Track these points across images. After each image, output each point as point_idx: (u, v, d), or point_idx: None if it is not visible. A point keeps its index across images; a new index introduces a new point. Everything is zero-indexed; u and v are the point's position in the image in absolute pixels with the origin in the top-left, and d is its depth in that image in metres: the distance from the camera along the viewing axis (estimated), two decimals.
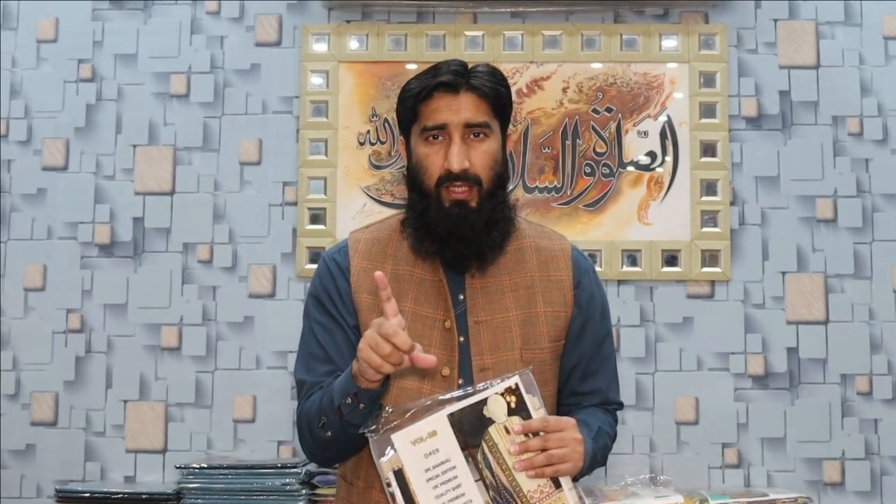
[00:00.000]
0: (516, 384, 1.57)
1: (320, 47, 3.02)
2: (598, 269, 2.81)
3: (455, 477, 1.54)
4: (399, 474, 1.54)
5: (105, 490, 2.73)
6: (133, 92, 3.04)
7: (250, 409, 2.94)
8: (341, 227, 2.94)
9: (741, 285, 2.95)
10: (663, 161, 2.98)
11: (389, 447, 1.54)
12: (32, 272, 2.98)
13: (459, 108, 1.71)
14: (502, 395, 1.56)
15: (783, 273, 2.96)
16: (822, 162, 2.99)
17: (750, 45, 3.03)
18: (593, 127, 2.99)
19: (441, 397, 1.58)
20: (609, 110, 3.00)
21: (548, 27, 3.02)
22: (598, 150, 2.99)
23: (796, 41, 3.02)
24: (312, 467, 2.71)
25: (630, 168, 2.98)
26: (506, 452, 1.55)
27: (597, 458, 1.73)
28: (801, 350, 2.93)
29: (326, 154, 2.99)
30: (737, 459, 2.90)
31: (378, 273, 1.58)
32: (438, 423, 1.55)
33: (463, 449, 1.55)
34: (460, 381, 1.71)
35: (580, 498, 1.59)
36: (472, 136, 1.72)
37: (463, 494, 1.53)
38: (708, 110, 2.98)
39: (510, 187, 2.87)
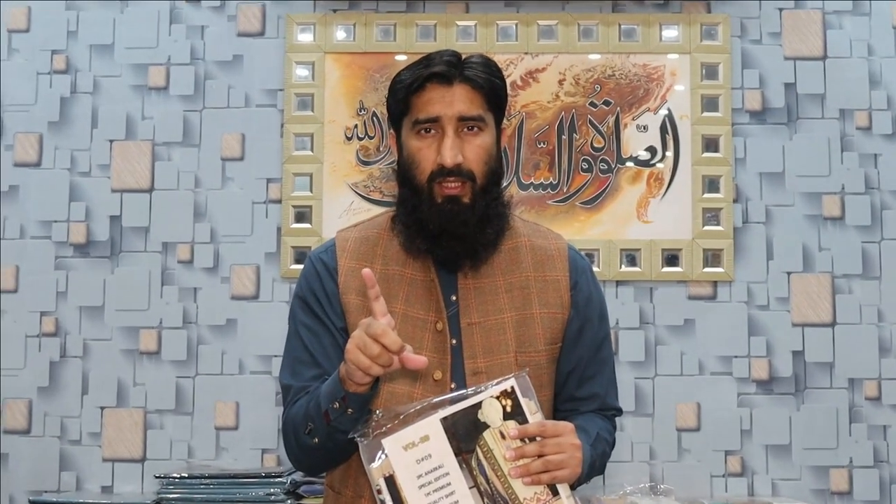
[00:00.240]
0: (512, 387, 1.54)
1: (305, 37, 2.98)
2: (595, 269, 2.80)
3: (448, 484, 1.52)
4: (390, 481, 1.52)
5: (81, 501, 2.71)
6: (109, 84, 2.99)
7: (233, 416, 2.90)
8: (328, 225, 2.90)
9: (745, 286, 2.93)
10: (664, 156, 2.95)
11: (380, 452, 1.53)
12: (5, 273, 2.93)
13: (453, 101, 1.69)
14: (497, 398, 1.54)
15: (788, 273, 2.93)
16: (829, 157, 2.96)
17: (754, 36, 3.00)
18: (591, 121, 2.96)
19: (434, 400, 1.57)
20: (607, 104, 2.96)
21: (543, 16, 2.98)
22: (595, 145, 2.95)
23: (802, 31, 3.00)
24: (298, 476, 2.68)
25: (629, 164, 2.95)
26: (501, 458, 1.53)
27: (595, 465, 1.70)
28: (807, 353, 2.91)
29: (312, 149, 2.95)
30: (740, 467, 2.87)
31: (366, 270, 1.56)
32: (431, 428, 1.53)
33: (456, 454, 1.53)
34: (453, 385, 1.69)
35: None
36: (465, 129, 1.70)
37: (457, 502, 1.51)
38: (710, 103, 2.95)
39: (504, 184, 2.82)
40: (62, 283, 2.92)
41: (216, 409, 2.89)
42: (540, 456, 1.53)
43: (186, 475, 2.67)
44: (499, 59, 2.87)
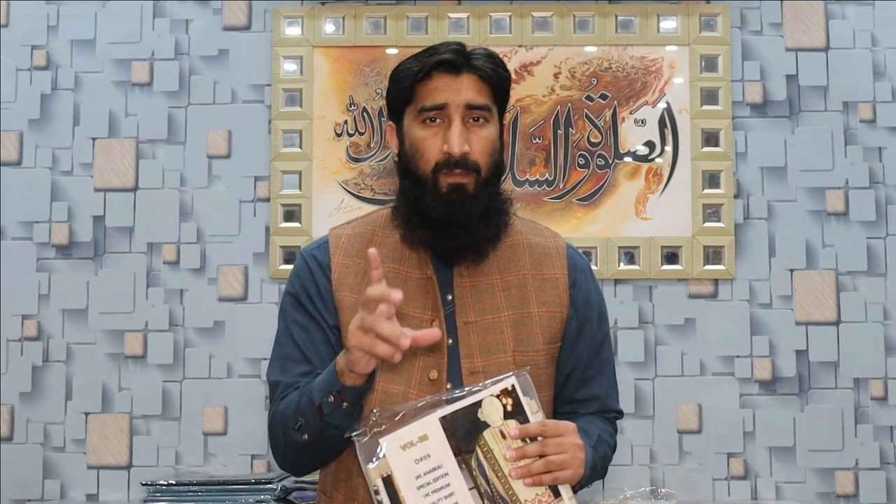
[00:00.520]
0: (512, 385, 1.54)
1: (293, 31, 2.97)
2: (593, 267, 2.85)
3: (448, 485, 1.51)
4: (388, 481, 1.50)
5: None
6: (91, 80, 2.98)
7: (221, 421, 2.89)
8: (317, 224, 2.89)
9: (746, 284, 2.92)
10: (662, 151, 2.94)
11: (377, 452, 1.51)
12: None
13: (461, 89, 1.69)
14: (498, 396, 1.53)
15: (791, 270, 2.92)
16: (832, 151, 2.95)
17: (754, 26, 2.99)
18: (587, 115, 2.94)
19: (432, 399, 1.56)
20: (604, 97, 2.95)
21: (537, 8, 2.97)
22: (592, 139, 2.94)
23: (804, 21, 2.99)
24: (289, 483, 2.67)
25: (627, 159, 2.94)
26: (501, 458, 1.52)
27: (597, 468, 1.70)
28: (810, 353, 2.90)
29: (301, 146, 2.94)
30: (743, 470, 2.86)
31: (371, 249, 1.54)
32: (430, 427, 1.52)
33: (456, 454, 1.52)
34: (448, 386, 1.69)
35: None
36: (471, 119, 1.70)
37: (456, 503, 1.50)
38: (710, 96, 2.94)
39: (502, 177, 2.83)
40: (44, 286, 2.91)
41: (204, 414, 2.88)
42: (541, 456, 1.52)
43: (174, 482, 2.65)
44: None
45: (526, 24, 2.95)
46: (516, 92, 2.90)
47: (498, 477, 1.51)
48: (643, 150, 2.92)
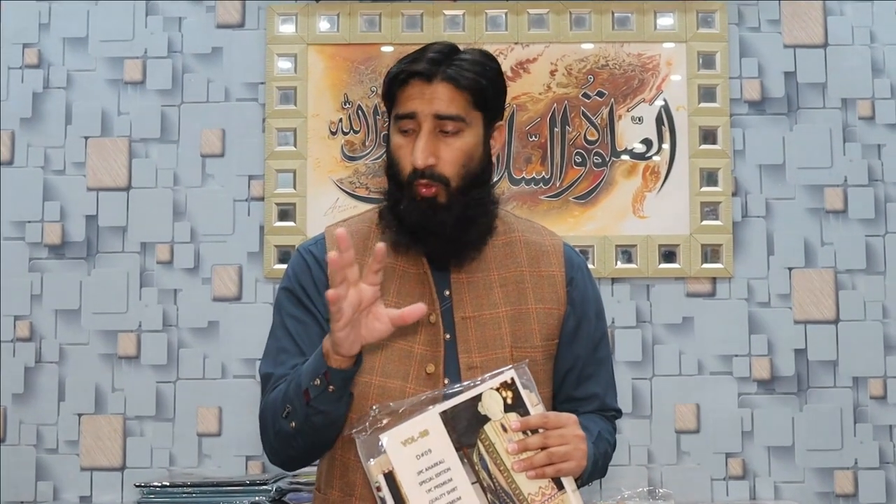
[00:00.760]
0: (512, 378, 1.54)
1: (287, 29, 2.97)
2: (590, 266, 2.84)
3: (450, 479, 1.50)
4: (389, 477, 1.50)
5: None
6: (84, 79, 2.97)
7: (216, 422, 2.88)
8: (312, 223, 2.89)
9: (744, 282, 2.92)
10: (660, 149, 2.93)
11: (378, 448, 1.51)
12: None
13: (432, 98, 1.69)
14: (497, 390, 1.53)
15: (790, 269, 2.92)
16: (830, 148, 2.95)
17: (752, 23, 2.99)
18: (584, 113, 2.94)
19: (432, 394, 1.57)
20: (601, 95, 2.95)
21: (533, 5, 2.97)
22: (589, 137, 2.93)
23: (802, 18, 2.99)
24: (284, 484, 2.68)
25: (624, 157, 2.94)
26: (503, 452, 1.52)
27: (598, 464, 1.70)
28: (809, 351, 2.90)
29: (295, 144, 2.93)
30: (741, 470, 2.86)
31: (381, 244, 1.53)
32: (430, 422, 1.52)
33: (457, 449, 1.52)
34: (446, 381, 1.69)
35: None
36: (442, 130, 1.70)
37: (459, 498, 1.50)
38: (707, 94, 2.94)
39: (495, 179, 2.82)
40: (37, 286, 2.90)
41: (198, 415, 2.87)
42: (543, 448, 1.52)
43: (168, 483, 2.65)
44: (488, 49, 2.83)
45: (522, 22, 2.94)
46: (512, 90, 2.86)
47: (500, 470, 1.51)
48: (640, 148, 2.92)
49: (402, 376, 1.70)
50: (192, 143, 2.94)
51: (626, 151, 2.92)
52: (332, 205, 2.89)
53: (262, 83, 2.94)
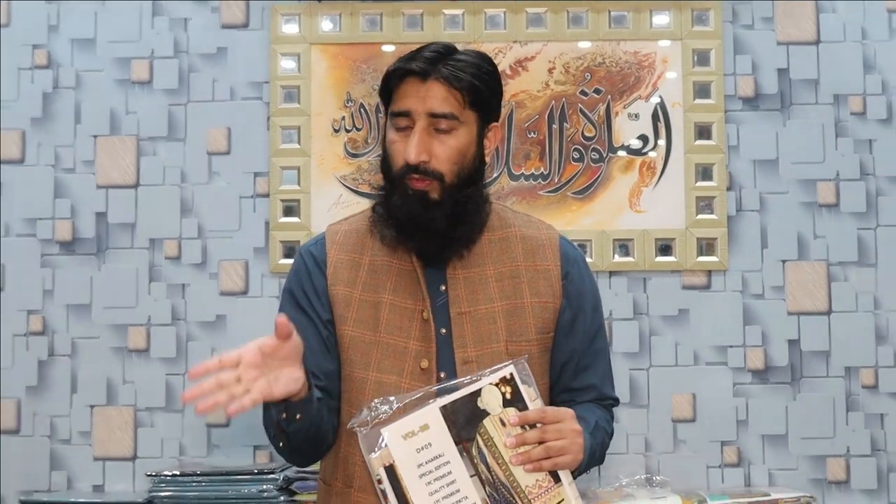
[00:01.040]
0: (511, 374, 1.56)
1: (290, 29, 2.96)
2: (588, 259, 2.80)
3: (449, 472, 1.53)
4: (390, 470, 1.52)
5: (72, 500, 2.72)
6: (92, 79, 2.96)
7: (224, 413, 2.82)
8: (316, 219, 2.88)
9: (739, 275, 2.91)
10: (656, 145, 2.93)
11: (379, 442, 1.53)
12: None
13: (426, 97, 1.71)
14: (496, 385, 1.55)
15: (783, 261, 2.92)
16: (823, 143, 2.94)
17: (746, 21, 2.97)
18: (581, 110, 2.94)
19: (432, 389, 1.58)
20: (598, 92, 2.94)
21: (531, 4, 2.95)
22: (586, 134, 2.94)
23: (795, 16, 2.96)
24: (291, 473, 2.68)
25: (621, 153, 2.93)
26: (502, 446, 1.54)
27: (595, 454, 1.72)
28: (802, 342, 2.90)
29: (299, 142, 2.93)
30: (736, 458, 2.87)
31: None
32: (430, 416, 1.54)
33: (457, 443, 1.54)
34: (442, 375, 1.71)
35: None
36: (436, 129, 1.72)
37: (458, 491, 1.52)
38: (702, 90, 2.93)
39: (495, 174, 2.91)
40: (48, 282, 2.90)
41: None
42: (541, 442, 1.54)
43: (178, 473, 2.66)
44: (487, 48, 2.88)
45: (520, 20, 2.94)
46: (511, 87, 2.90)
47: (498, 464, 1.54)
48: (637, 144, 2.92)
49: (397, 372, 1.72)
50: (199, 141, 2.93)
51: (622, 147, 2.91)
52: (335, 201, 2.89)
53: (266, 82, 2.93)
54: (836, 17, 2.96)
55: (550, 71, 2.94)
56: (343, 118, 2.93)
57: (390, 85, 1.75)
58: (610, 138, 2.92)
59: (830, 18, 2.96)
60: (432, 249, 1.74)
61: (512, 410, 1.54)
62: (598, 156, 2.92)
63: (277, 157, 2.91)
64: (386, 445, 1.52)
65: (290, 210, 2.91)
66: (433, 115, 1.70)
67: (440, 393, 1.56)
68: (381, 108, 1.83)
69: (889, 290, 2.89)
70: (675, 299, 2.90)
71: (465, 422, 1.54)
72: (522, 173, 2.92)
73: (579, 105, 2.93)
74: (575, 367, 1.82)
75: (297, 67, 2.93)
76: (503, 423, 1.54)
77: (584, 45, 2.94)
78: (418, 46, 1.76)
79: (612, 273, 2.90)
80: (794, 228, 2.91)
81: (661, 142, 2.92)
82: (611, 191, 2.91)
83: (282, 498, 2.61)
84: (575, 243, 1.93)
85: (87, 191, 2.92)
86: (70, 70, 2.96)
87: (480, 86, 1.74)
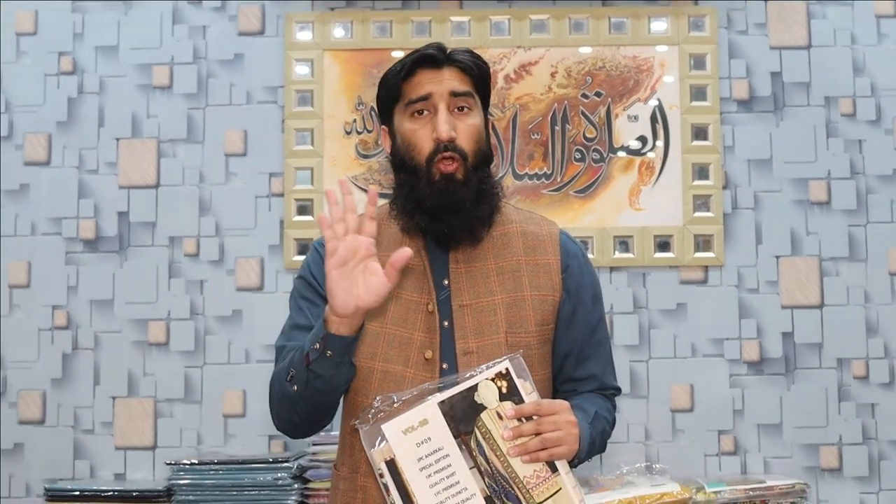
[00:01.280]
0: (507, 369, 1.56)
1: (304, 35, 3.01)
2: (589, 255, 2.80)
3: (449, 465, 1.53)
4: (391, 464, 1.53)
5: (95, 488, 2.73)
6: (115, 84, 3.02)
7: (240, 404, 2.93)
8: None
9: (735, 270, 2.95)
10: (654, 145, 2.97)
11: (380, 438, 1.54)
12: (17, 269, 2.96)
13: (443, 79, 1.73)
14: (493, 380, 1.55)
15: (777, 257, 2.95)
16: (815, 144, 2.98)
17: (740, 27, 3.02)
18: (583, 112, 2.98)
19: (430, 385, 1.59)
20: (598, 95, 2.98)
21: (535, 11, 3.00)
22: (587, 135, 2.97)
23: (787, 21, 3.01)
24: (304, 461, 2.71)
25: (621, 153, 2.97)
26: (499, 438, 1.54)
27: (595, 443, 1.72)
28: (796, 335, 2.93)
29: (313, 144, 2.97)
30: (733, 446, 2.90)
31: (372, 188, 1.62)
32: (429, 412, 1.54)
33: (455, 436, 1.54)
34: (444, 366, 1.72)
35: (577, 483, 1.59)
36: (456, 109, 1.74)
37: (458, 482, 1.53)
38: (698, 93, 2.97)
39: (500, 174, 2.91)
40: (73, 278, 2.95)
41: (224, 398, 2.92)
42: (537, 434, 1.55)
43: (196, 462, 2.69)
44: (492, 53, 2.92)
45: (524, 27, 2.98)
46: (515, 90, 2.95)
47: (497, 456, 1.54)
48: (636, 145, 2.95)
49: (403, 362, 1.72)
50: (217, 144, 2.97)
51: (622, 148, 2.95)
52: None
53: (281, 87, 2.97)
54: (827, 23, 3.00)
55: (553, 75, 2.98)
56: (354, 121, 2.97)
57: (398, 80, 1.75)
58: (610, 139, 2.96)
59: (821, 24, 3.00)
60: (458, 231, 1.74)
61: (508, 404, 1.55)
62: (598, 156, 2.95)
63: (291, 159, 2.96)
64: (386, 441, 1.53)
65: (303, 209, 2.94)
66: (454, 94, 1.73)
67: (439, 389, 1.57)
68: (379, 115, 1.83)
69: (879, 284, 2.92)
70: (673, 294, 2.93)
71: (463, 416, 1.54)
72: (526, 173, 2.95)
73: (581, 107, 2.96)
74: (576, 357, 1.82)
75: (310, 72, 2.97)
76: (500, 417, 1.54)
77: (586, 50, 2.98)
78: (409, 52, 1.79)
79: (612, 269, 2.93)
80: (787, 225, 2.94)
81: (660, 142, 2.95)
82: (611, 190, 2.94)
83: (296, 485, 2.64)
84: (577, 239, 1.91)
85: (110, 191, 2.97)
86: (94, 76, 3.00)
87: (485, 69, 1.80)
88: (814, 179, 2.96)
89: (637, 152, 2.97)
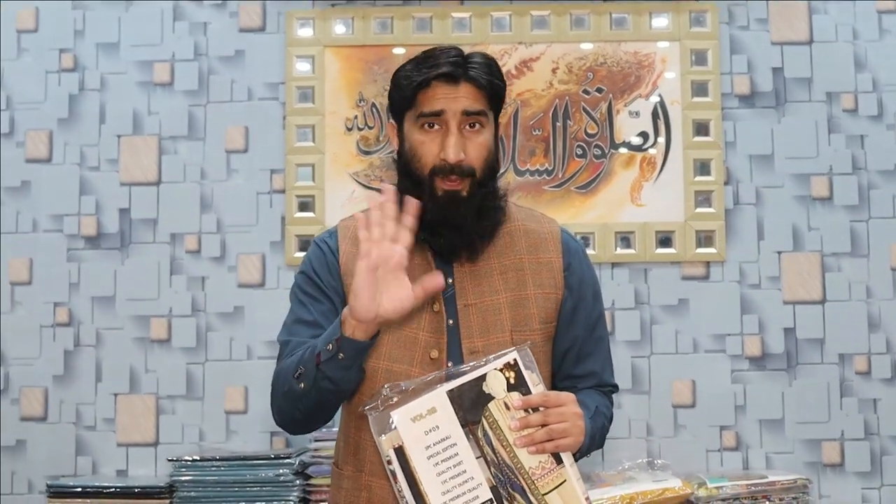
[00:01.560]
0: (515, 360, 1.57)
1: (305, 32, 3.01)
2: (591, 251, 2.86)
3: (456, 454, 1.54)
4: (399, 452, 1.53)
5: (97, 484, 2.73)
6: (116, 81, 3.02)
7: (242, 401, 2.93)
8: (330, 214, 2.93)
9: (736, 266, 2.95)
10: (655, 141, 2.98)
11: (389, 425, 1.54)
12: (18, 266, 2.97)
13: (458, 97, 1.72)
14: (501, 370, 1.56)
15: (779, 252, 2.96)
16: (816, 139, 2.98)
17: (741, 22, 3.02)
18: (584, 108, 2.98)
19: (440, 374, 1.59)
20: (600, 91, 2.99)
21: (536, 7, 3.00)
22: (589, 131, 2.98)
23: (788, 16, 3.01)
24: (306, 458, 2.72)
25: (622, 149, 2.98)
26: (506, 428, 1.55)
27: (595, 438, 1.73)
28: (798, 330, 2.93)
29: (314, 140, 2.98)
30: (735, 442, 2.91)
31: (413, 200, 1.60)
32: (438, 400, 1.55)
33: (463, 426, 1.55)
34: (449, 364, 1.72)
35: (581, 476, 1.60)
36: (468, 126, 1.73)
37: (464, 471, 1.53)
38: (700, 89, 2.98)
39: (501, 171, 2.86)
40: (74, 275, 2.95)
41: (226, 394, 2.92)
42: (544, 425, 1.56)
43: (198, 458, 2.69)
44: (493, 49, 2.93)
45: (525, 23, 2.98)
46: (517, 87, 2.95)
47: (503, 446, 1.54)
48: (637, 141, 2.96)
49: (408, 361, 1.73)
50: (218, 140, 2.98)
51: (624, 144, 2.95)
52: (348, 196, 2.94)
53: (282, 83, 2.98)
54: (828, 18, 3.00)
55: (554, 71, 2.98)
56: (356, 117, 2.97)
57: (414, 91, 1.74)
58: (612, 135, 2.96)
59: (823, 19, 3.00)
60: (456, 246, 1.75)
61: (516, 394, 1.55)
62: (600, 152, 2.96)
63: (293, 155, 2.96)
64: (395, 428, 1.53)
65: (305, 205, 2.95)
66: (467, 113, 1.72)
67: (447, 378, 1.57)
68: (390, 111, 1.83)
69: (881, 279, 2.92)
70: (674, 289, 2.94)
71: (470, 405, 1.55)
72: (528, 169, 2.96)
73: (582, 103, 2.97)
74: (576, 354, 1.83)
75: (311, 69, 2.98)
76: (507, 407, 1.55)
77: (587, 46, 2.99)
78: (426, 50, 1.77)
79: (614, 264, 2.93)
80: (789, 221, 2.95)
81: (661, 138, 2.96)
82: (613, 186, 2.95)
83: (297, 482, 2.65)
84: (578, 236, 1.93)
85: (112, 188, 2.98)
86: (95, 73, 3.01)
87: (500, 86, 1.78)
88: (815, 175, 2.97)
89: (638, 148, 2.97)
